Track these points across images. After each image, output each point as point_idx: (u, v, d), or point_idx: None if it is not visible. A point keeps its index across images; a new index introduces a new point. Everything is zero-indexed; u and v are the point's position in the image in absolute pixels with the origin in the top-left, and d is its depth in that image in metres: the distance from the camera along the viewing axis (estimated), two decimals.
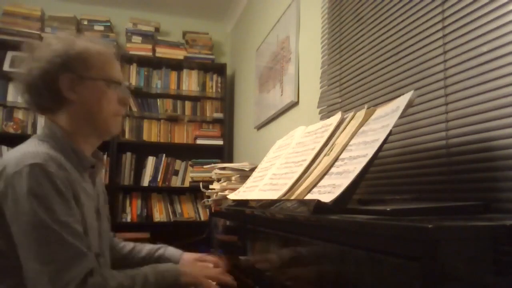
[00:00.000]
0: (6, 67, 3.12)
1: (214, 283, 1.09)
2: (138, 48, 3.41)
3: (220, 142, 3.47)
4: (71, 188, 0.94)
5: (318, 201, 0.74)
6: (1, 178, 0.90)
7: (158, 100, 3.45)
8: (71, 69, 1.01)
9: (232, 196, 1.35)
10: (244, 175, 1.62)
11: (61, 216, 0.88)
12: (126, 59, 3.37)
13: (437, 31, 1.01)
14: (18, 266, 0.88)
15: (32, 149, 0.94)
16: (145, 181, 3.30)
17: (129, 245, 1.34)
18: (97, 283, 0.88)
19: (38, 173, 0.88)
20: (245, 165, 1.69)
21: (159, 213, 3.26)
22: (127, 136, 3.34)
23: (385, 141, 0.77)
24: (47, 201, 0.88)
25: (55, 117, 1.05)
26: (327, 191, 0.77)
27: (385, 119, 0.82)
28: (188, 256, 1.28)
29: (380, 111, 0.88)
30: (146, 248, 1.33)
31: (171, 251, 1.31)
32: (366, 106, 0.95)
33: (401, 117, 0.79)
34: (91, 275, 0.88)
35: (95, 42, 1.09)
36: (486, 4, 0.87)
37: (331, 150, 0.92)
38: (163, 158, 3.37)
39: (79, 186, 0.99)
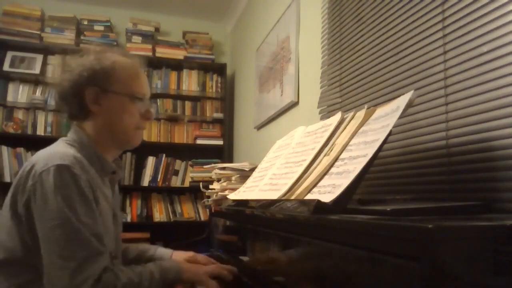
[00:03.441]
0: (6, 67, 3.12)
1: (214, 281, 1.09)
2: (138, 48, 3.41)
3: (220, 142, 3.47)
4: (92, 191, 0.99)
5: (318, 201, 0.74)
6: (29, 175, 0.95)
7: (158, 100, 3.45)
8: (97, 83, 1.07)
9: (232, 196, 1.35)
10: (244, 175, 1.62)
11: (82, 216, 0.93)
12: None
13: (437, 31, 1.01)
14: (38, 261, 0.92)
15: (60, 150, 1.00)
16: (145, 181, 3.30)
17: (122, 247, 1.35)
18: (110, 279, 0.92)
19: (64, 174, 0.93)
20: (245, 165, 1.69)
21: (159, 213, 3.26)
22: None
23: (385, 141, 0.77)
24: (71, 200, 0.92)
25: (82, 124, 1.11)
26: (327, 191, 0.77)
27: (385, 119, 0.82)
28: (179, 255, 1.29)
29: (380, 111, 0.88)
30: (138, 249, 1.35)
31: (161, 251, 1.33)
32: (366, 106, 0.95)
33: (401, 117, 0.79)
34: (105, 272, 0.92)
35: (124, 56, 1.14)
36: (486, 4, 0.87)
37: (331, 150, 0.92)
38: (163, 158, 3.37)
39: (99, 190, 1.04)
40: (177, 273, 1.05)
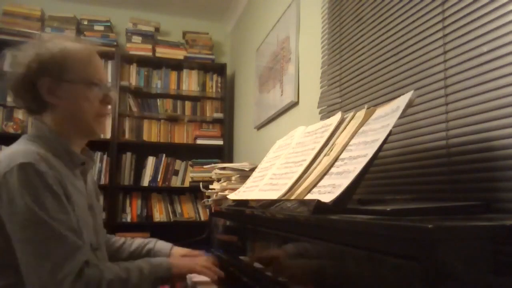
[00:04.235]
0: (6, 67, 3.11)
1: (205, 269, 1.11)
2: (138, 48, 3.41)
3: (220, 142, 3.47)
4: (62, 186, 0.95)
5: (318, 201, 0.74)
6: None
7: (158, 100, 3.45)
8: (49, 73, 1.02)
9: (232, 196, 1.35)
10: (244, 175, 1.62)
11: (54, 212, 0.90)
12: (126, 59, 3.37)
13: (437, 31, 1.01)
14: (15, 265, 0.89)
15: (22, 148, 0.96)
16: (145, 181, 3.30)
17: (120, 240, 1.36)
18: (93, 275, 0.90)
19: (29, 172, 0.90)
20: (245, 165, 1.69)
21: (159, 213, 3.26)
22: (127, 136, 3.34)
23: (385, 141, 0.77)
24: (39, 198, 0.89)
25: (42, 118, 1.06)
26: (327, 191, 0.77)
27: (385, 119, 0.82)
28: (177, 251, 1.30)
29: (380, 111, 0.88)
30: (136, 242, 1.34)
31: (160, 245, 1.33)
32: (366, 106, 0.94)
33: (401, 117, 0.79)
34: (87, 266, 0.90)
35: (74, 41, 1.09)
36: (486, 4, 0.87)
37: (331, 150, 0.92)
38: (163, 158, 3.37)
39: (70, 184, 1.00)
40: (167, 270, 1.04)
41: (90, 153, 1.17)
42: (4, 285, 0.92)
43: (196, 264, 1.11)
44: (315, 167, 0.92)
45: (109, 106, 1.13)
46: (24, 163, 0.90)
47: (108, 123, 1.06)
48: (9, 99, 3.12)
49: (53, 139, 1.03)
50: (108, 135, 3.15)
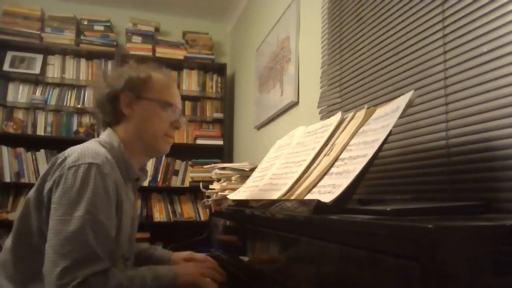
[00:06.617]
0: (6, 67, 3.12)
1: (208, 279, 1.11)
2: (138, 48, 3.41)
3: (220, 142, 3.47)
4: (117, 192, 1.02)
5: (318, 201, 0.74)
6: (60, 166, 0.98)
7: None
8: (132, 89, 1.14)
9: (232, 196, 1.35)
10: (244, 175, 1.62)
11: (100, 214, 0.94)
12: (126, 59, 3.37)
13: (437, 31, 1.01)
14: (42, 256, 0.92)
15: (94, 148, 1.03)
16: (145, 181, 3.30)
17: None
18: (97, 284, 0.90)
19: (94, 172, 0.96)
20: (245, 165, 1.69)
21: (159, 213, 3.26)
22: None
23: (385, 141, 0.77)
24: (94, 197, 0.94)
25: (114, 129, 1.16)
26: (327, 191, 0.77)
27: (385, 119, 0.82)
28: (177, 257, 1.31)
29: (380, 111, 0.88)
30: (139, 247, 1.37)
31: (161, 253, 1.35)
32: (366, 106, 0.94)
33: (401, 117, 0.79)
34: (95, 275, 0.90)
35: (157, 70, 1.22)
36: (486, 4, 0.87)
37: (331, 150, 0.92)
38: (163, 158, 3.37)
39: (124, 193, 1.07)
40: (172, 278, 1.04)
41: (145, 170, 1.27)
42: (35, 271, 0.95)
43: (200, 275, 1.10)
44: (315, 167, 0.92)
45: (176, 131, 1.22)
46: (92, 163, 0.97)
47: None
48: (9, 99, 3.13)
49: (118, 149, 1.11)
50: None
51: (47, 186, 0.98)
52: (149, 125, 1.15)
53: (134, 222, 1.19)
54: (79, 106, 3.24)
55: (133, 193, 1.21)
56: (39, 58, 3.22)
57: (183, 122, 1.24)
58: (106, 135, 1.14)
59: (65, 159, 0.99)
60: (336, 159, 0.87)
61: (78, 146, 1.05)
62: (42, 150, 3.11)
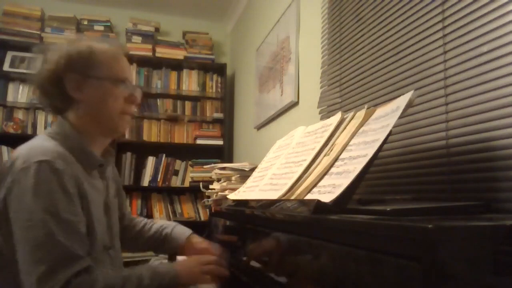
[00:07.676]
0: (6, 67, 3.12)
1: (209, 276, 1.08)
2: (138, 48, 3.41)
3: (220, 142, 3.47)
4: (78, 186, 0.95)
5: (318, 201, 0.74)
6: (9, 172, 0.91)
7: (158, 100, 3.45)
8: (76, 69, 1.03)
9: (232, 196, 1.34)
10: (244, 175, 1.62)
11: (63, 213, 0.89)
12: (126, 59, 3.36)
13: (437, 31, 1.01)
14: (15, 266, 0.88)
15: (41, 144, 0.96)
16: (145, 181, 3.30)
17: (140, 223, 1.36)
18: (83, 284, 0.87)
19: (46, 170, 0.89)
20: (245, 165, 1.69)
21: (159, 213, 3.26)
22: (127, 136, 3.34)
23: (385, 141, 0.77)
24: (51, 197, 0.88)
25: (65, 116, 1.06)
26: (327, 191, 0.77)
27: (385, 119, 0.82)
28: (194, 241, 1.29)
29: (380, 111, 0.88)
30: (155, 226, 1.34)
31: (178, 231, 1.32)
32: (366, 106, 0.94)
33: (401, 117, 0.79)
34: (78, 276, 0.86)
35: (100, 41, 1.10)
36: (486, 4, 0.87)
37: (331, 150, 0.92)
38: (163, 158, 3.37)
39: (86, 183, 1.00)
40: (173, 278, 1.00)
41: (111, 150, 1.18)
42: (14, 282, 0.90)
43: (202, 273, 1.06)
44: (315, 167, 0.92)
45: (134, 106, 1.13)
46: (41, 160, 0.90)
47: (131, 123, 1.07)
48: (9, 99, 3.13)
49: (72, 136, 1.02)
50: None
51: (1, 194, 0.91)
52: (103, 106, 1.05)
53: (110, 207, 1.11)
54: None
55: (101, 177, 1.11)
56: (39, 58, 3.21)
57: (138, 94, 1.13)
58: (56, 125, 1.05)
59: (13, 163, 0.92)
60: (336, 159, 0.87)
61: (24, 145, 0.97)
62: None
